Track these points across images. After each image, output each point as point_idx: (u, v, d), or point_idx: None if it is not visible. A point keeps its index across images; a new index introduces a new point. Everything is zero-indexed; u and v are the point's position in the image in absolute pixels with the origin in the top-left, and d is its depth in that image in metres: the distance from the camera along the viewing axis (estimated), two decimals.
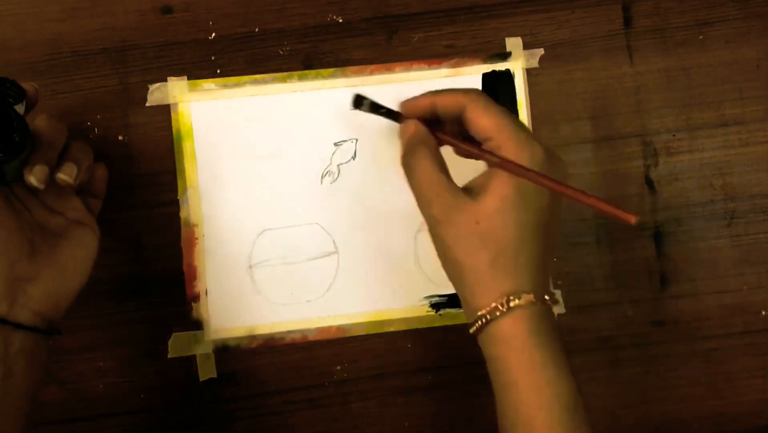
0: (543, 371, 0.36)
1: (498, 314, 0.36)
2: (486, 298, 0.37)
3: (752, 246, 0.50)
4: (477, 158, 0.39)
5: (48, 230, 0.40)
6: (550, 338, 0.37)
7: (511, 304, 0.36)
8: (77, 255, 0.40)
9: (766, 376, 0.50)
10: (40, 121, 0.40)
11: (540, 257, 0.38)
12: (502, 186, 0.37)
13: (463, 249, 0.37)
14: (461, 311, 0.49)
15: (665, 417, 0.50)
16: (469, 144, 0.39)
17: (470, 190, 0.38)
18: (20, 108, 0.37)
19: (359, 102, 0.43)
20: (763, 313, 0.50)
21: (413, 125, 0.41)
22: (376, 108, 0.43)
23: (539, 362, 0.36)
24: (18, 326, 0.37)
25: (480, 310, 0.37)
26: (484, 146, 0.39)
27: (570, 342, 0.49)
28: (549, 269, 0.40)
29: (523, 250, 0.37)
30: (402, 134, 0.41)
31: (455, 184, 0.38)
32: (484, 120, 0.38)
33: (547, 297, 0.37)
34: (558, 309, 0.49)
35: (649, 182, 0.50)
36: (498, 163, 0.37)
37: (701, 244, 0.50)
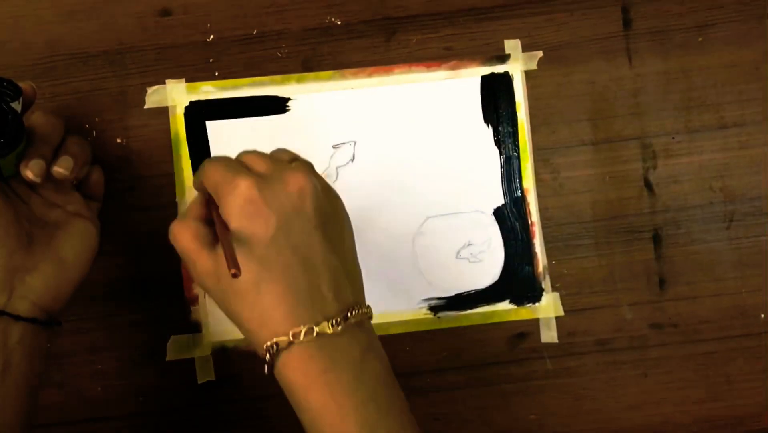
0: (323, 416, 0.34)
1: (270, 363, 0.35)
2: (258, 348, 0.35)
3: (751, 249, 0.50)
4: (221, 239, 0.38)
5: (47, 223, 0.40)
6: (329, 373, 0.34)
7: (274, 351, 0.34)
8: (76, 247, 0.40)
9: (765, 379, 0.50)
10: (35, 117, 0.40)
11: (292, 287, 0.35)
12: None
13: (224, 308, 0.36)
14: (461, 313, 0.49)
15: (664, 420, 0.49)
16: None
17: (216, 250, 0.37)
18: (17, 106, 0.37)
19: None
20: (762, 316, 0.50)
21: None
22: None
23: (317, 408, 0.34)
24: (17, 317, 0.37)
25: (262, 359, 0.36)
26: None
27: (568, 345, 0.49)
28: (332, 284, 0.36)
29: (264, 293, 0.35)
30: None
31: (206, 251, 0.36)
32: (208, 182, 0.37)
33: (317, 328, 0.34)
34: (557, 311, 0.49)
35: (648, 185, 0.50)
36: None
37: (700, 246, 0.50)
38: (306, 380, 0.35)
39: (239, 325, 0.37)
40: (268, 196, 0.35)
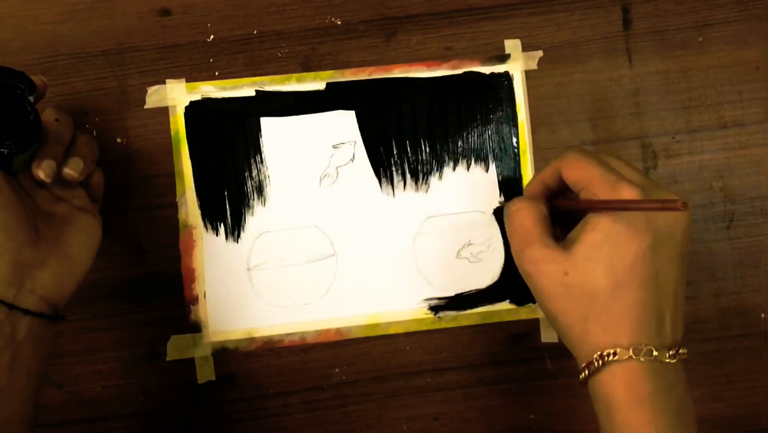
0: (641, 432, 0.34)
1: (594, 369, 0.35)
2: (583, 352, 0.36)
3: (751, 248, 0.50)
4: (575, 208, 0.39)
5: (53, 217, 0.40)
6: (656, 397, 0.34)
7: (607, 360, 0.34)
8: (81, 242, 0.41)
9: (765, 379, 0.50)
10: (47, 114, 0.40)
11: (647, 305, 0.35)
12: (592, 233, 0.36)
13: (556, 302, 0.36)
14: (460, 313, 0.49)
15: None
16: (567, 200, 0.39)
17: (565, 243, 0.37)
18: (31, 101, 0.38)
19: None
20: (762, 315, 0.50)
21: (531, 189, 0.41)
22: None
23: (635, 427, 0.34)
24: (25, 311, 0.37)
25: (581, 363, 0.36)
26: (581, 197, 0.38)
27: None
28: (674, 316, 0.36)
29: (618, 299, 0.35)
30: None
31: (550, 238, 0.37)
32: (575, 173, 0.38)
33: (656, 352, 0.34)
34: None
35: None
36: (585, 203, 0.36)
37: (700, 246, 0.50)
38: (631, 397, 0.34)
39: (567, 324, 0.36)
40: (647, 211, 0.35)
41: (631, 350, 0.34)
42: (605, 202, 0.36)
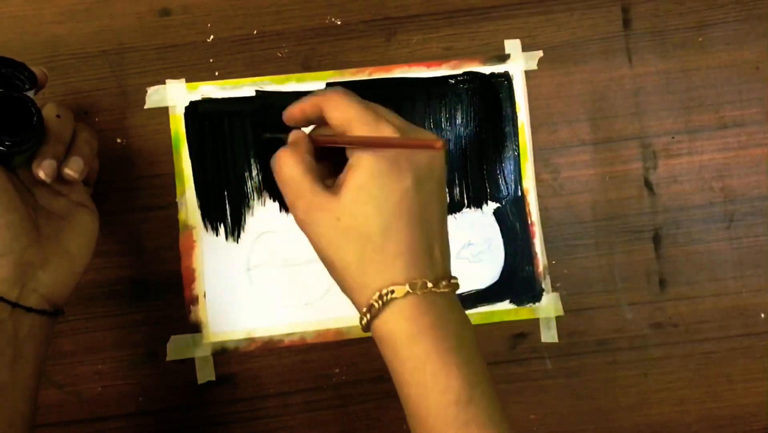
0: (427, 365, 0.35)
1: (375, 312, 0.35)
2: (363, 296, 0.36)
3: (751, 249, 0.50)
4: (335, 144, 0.38)
5: (52, 214, 0.40)
6: (437, 326, 0.35)
7: (386, 299, 0.35)
8: (81, 238, 0.41)
9: (765, 379, 0.50)
10: (49, 110, 0.40)
11: (418, 240, 0.36)
12: (357, 176, 0.36)
13: (331, 248, 0.36)
14: None
15: (664, 420, 0.50)
16: (326, 136, 0.38)
17: (334, 188, 0.37)
18: (31, 95, 0.38)
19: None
20: (762, 315, 0.50)
21: (293, 134, 0.40)
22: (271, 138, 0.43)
23: (421, 358, 0.35)
24: (28, 309, 0.37)
25: (361, 308, 0.36)
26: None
27: (568, 345, 0.49)
28: (442, 248, 0.37)
29: (391, 238, 0.35)
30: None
31: (319, 184, 0.37)
32: (336, 114, 0.37)
33: (430, 284, 0.35)
34: (557, 311, 0.49)
35: (648, 185, 0.50)
36: (347, 139, 0.36)
37: (700, 246, 0.50)
38: (415, 329, 0.35)
39: (344, 268, 0.36)
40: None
41: (407, 286, 0.35)
42: (365, 139, 0.36)
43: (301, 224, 0.38)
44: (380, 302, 0.35)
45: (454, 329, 0.36)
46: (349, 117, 0.37)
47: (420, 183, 0.36)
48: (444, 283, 0.36)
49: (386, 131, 0.36)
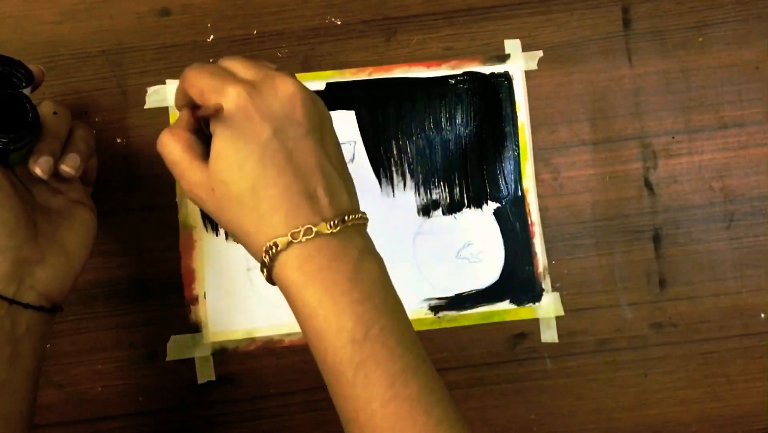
0: (319, 311, 0.34)
1: (266, 269, 0.35)
2: (257, 255, 0.36)
3: (751, 249, 0.50)
4: (197, 118, 0.38)
5: (50, 211, 0.40)
6: (328, 269, 0.35)
7: (272, 253, 0.35)
8: (79, 236, 0.41)
9: (765, 379, 0.50)
10: (46, 107, 0.40)
11: (292, 189, 0.35)
12: (215, 144, 0.36)
13: (220, 219, 0.37)
14: (460, 313, 0.49)
15: (664, 420, 0.50)
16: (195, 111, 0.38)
17: (209, 161, 0.37)
18: (27, 92, 0.38)
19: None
20: (762, 315, 0.50)
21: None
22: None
23: (313, 305, 0.34)
24: (26, 306, 0.37)
25: (261, 268, 0.36)
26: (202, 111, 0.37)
27: (568, 345, 0.49)
28: (327, 188, 0.36)
29: (260, 197, 0.35)
30: None
31: (198, 160, 0.37)
32: (192, 91, 0.37)
33: (315, 228, 0.34)
34: (557, 311, 0.49)
35: (648, 185, 0.50)
36: (198, 114, 0.36)
37: (700, 246, 0.50)
38: (303, 277, 0.35)
39: (236, 233, 0.37)
40: (258, 102, 0.35)
41: (289, 235, 0.35)
42: (194, 111, 0.36)
43: (192, 200, 0.38)
44: (268, 258, 0.35)
45: (348, 267, 0.35)
46: (201, 89, 0.37)
47: (280, 131, 0.36)
48: (333, 222, 0.35)
49: (231, 94, 0.35)
